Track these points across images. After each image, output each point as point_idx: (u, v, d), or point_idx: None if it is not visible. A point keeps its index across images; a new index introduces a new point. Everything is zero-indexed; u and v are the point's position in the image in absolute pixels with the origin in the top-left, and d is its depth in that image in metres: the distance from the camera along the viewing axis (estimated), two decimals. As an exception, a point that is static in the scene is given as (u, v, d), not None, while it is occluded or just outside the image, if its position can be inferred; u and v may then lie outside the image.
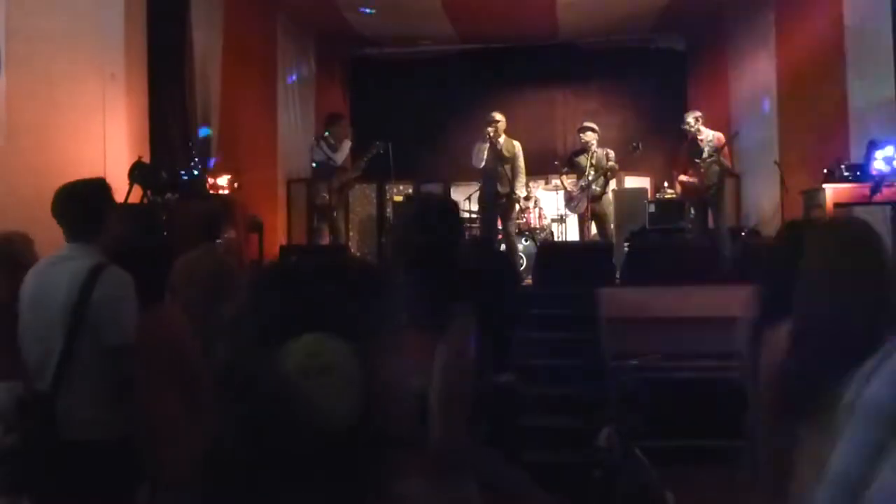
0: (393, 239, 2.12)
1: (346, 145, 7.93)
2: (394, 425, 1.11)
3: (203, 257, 4.47)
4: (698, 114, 7.74)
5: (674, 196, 9.35)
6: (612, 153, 8.11)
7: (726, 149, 7.57)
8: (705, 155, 7.44)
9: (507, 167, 7.58)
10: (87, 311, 2.50)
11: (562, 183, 8.49)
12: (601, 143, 8.28)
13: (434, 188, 10.90)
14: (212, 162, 7.43)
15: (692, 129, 7.58)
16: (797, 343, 1.83)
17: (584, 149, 8.19)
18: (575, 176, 8.24)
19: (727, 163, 7.55)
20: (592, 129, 8.18)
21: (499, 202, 7.68)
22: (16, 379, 3.63)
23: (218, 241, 4.71)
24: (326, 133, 7.91)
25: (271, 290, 1.08)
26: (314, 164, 7.91)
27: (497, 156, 7.58)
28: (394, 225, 2.18)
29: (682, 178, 7.80)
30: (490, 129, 7.64)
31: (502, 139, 7.70)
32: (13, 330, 3.63)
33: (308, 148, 8.17)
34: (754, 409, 2.19)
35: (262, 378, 0.97)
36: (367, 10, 9.30)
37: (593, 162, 8.05)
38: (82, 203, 2.72)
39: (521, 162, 7.68)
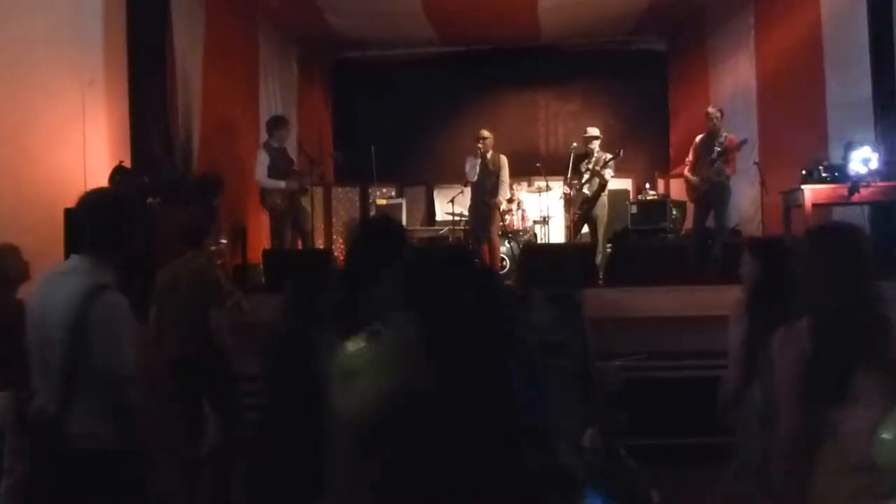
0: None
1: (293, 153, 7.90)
2: None
3: (185, 267, 4.44)
4: (721, 108, 7.72)
5: (656, 197, 9.42)
6: (608, 158, 8.08)
7: (735, 152, 7.47)
8: (714, 155, 7.43)
9: (493, 179, 8.16)
10: (85, 334, 2.40)
11: (566, 186, 8.45)
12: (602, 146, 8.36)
13: (417, 191, 10.94)
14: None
15: (716, 123, 7.53)
16: (816, 337, 2.12)
17: (587, 154, 8.26)
18: (576, 180, 8.28)
19: (728, 168, 7.45)
20: (596, 137, 8.29)
21: (484, 210, 8.19)
22: (12, 389, 3.61)
23: (207, 247, 4.67)
24: (273, 142, 7.76)
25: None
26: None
27: (485, 169, 8.16)
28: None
29: (688, 174, 7.78)
30: (479, 145, 8.17)
31: (490, 154, 8.20)
32: (7, 341, 3.60)
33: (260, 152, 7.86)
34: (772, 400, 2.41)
35: None
36: None
37: (590, 166, 8.13)
38: (102, 214, 2.55)
39: (504, 175, 8.20)
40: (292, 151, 8.45)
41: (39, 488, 2.37)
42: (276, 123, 7.93)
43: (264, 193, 7.75)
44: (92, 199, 2.59)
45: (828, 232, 2.47)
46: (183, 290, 4.32)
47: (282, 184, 7.62)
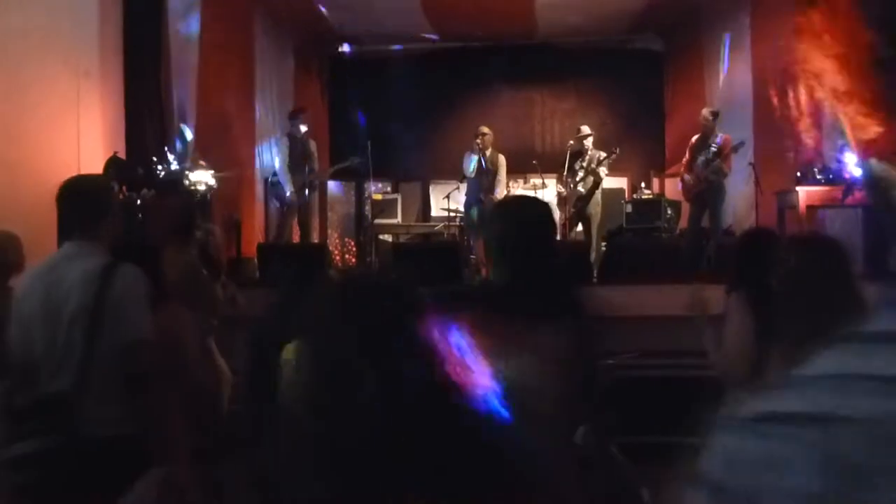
0: (498, 232, 2.12)
1: (313, 145, 8.02)
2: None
3: (170, 260, 4.39)
4: (716, 110, 7.72)
5: (651, 196, 9.43)
6: (602, 156, 8.08)
7: (730, 153, 7.45)
8: (710, 155, 7.43)
9: (491, 177, 8.15)
10: (104, 310, 2.45)
11: (560, 185, 8.45)
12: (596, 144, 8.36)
13: (413, 186, 10.94)
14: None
15: (709, 125, 7.54)
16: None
17: (581, 152, 8.25)
18: (570, 178, 8.27)
19: (725, 167, 7.43)
20: (589, 135, 8.28)
21: (479, 207, 8.12)
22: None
23: (197, 235, 4.63)
24: (301, 129, 7.91)
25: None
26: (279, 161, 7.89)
27: (483, 166, 8.12)
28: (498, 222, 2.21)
29: (683, 173, 7.78)
30: (478, 141, 8.12)
31: (489, 151, 8.18)
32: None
33: (275, 142, 8.12)
34: None
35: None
36: None
37: (584, 164, 8.12)
38: (90, 199, 2.64)
39: (502, 174, 8.23)
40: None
41: (52, 477, 2.35)
42: (296, 112, 8.06)
43: (278, 186, 7.83)
44: (77, 187, 2.66)
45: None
46: (169, 286, 4.28)
47: (289, 186, 7.78)
